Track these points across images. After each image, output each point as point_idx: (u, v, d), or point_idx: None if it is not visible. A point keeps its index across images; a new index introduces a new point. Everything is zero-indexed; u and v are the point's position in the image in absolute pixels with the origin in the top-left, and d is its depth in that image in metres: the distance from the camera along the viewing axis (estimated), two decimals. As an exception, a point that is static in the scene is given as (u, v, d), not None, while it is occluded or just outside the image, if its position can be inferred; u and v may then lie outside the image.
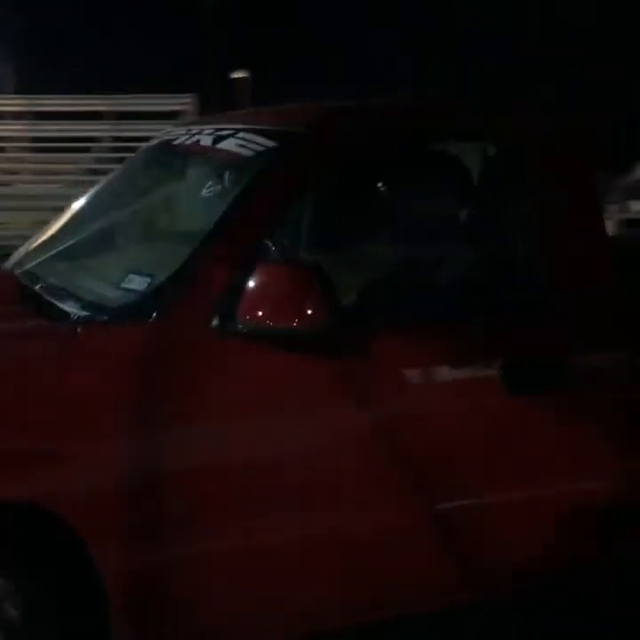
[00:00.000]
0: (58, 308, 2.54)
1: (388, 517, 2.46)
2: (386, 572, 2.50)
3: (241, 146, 2.71)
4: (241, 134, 2.77)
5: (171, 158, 3.26)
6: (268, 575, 2.40)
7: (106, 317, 2.43)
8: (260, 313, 2.30)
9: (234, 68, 30.20)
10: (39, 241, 3.21)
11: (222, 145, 2.79)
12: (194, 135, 3.04)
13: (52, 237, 3.17)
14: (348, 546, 2.44)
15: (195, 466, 2.31)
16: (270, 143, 2.64)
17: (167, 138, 3.30)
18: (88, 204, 3.30)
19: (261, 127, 2.75)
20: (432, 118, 2.86)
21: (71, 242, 2.99)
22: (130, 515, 2.29)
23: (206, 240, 2.50)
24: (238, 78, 32.60)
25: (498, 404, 2.52)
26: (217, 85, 24.03)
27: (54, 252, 2.98)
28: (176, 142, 3.13)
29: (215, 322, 2.38)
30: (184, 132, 3.17)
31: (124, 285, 2.54)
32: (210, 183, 2.76)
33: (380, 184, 2.68)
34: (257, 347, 2.36)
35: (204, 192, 2.76)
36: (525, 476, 2.57)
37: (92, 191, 3.41)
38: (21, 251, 3.28)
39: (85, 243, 2.98)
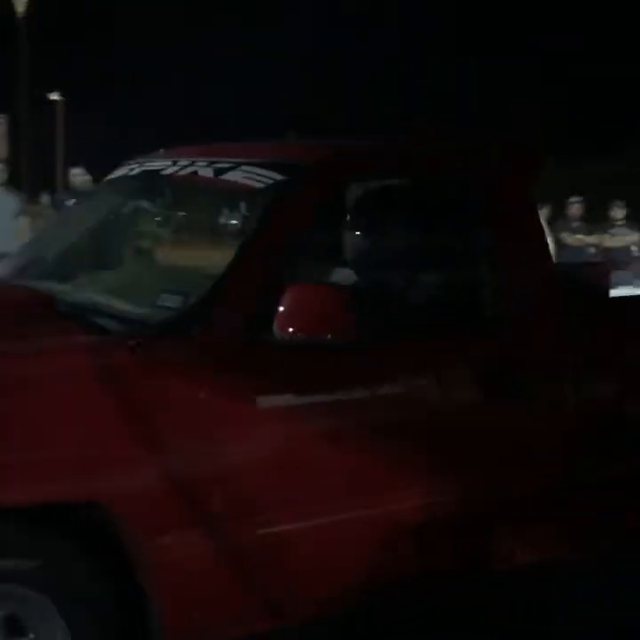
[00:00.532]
0: (99, 324, 2.76)
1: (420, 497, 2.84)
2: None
3: (248, 178, 3.02)
4: (244, 168, 3.08)
5: (162, 187, 3.50)
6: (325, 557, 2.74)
7: (152, 332, 2.67)
8: (296, 327, 2.62)
9: (48, 90, 29.59)
10: (50, 254, 3.40)
11: (228, 176, 3.09)
12: (185, 167, 3.31)
13: (61, 254, 3.36)
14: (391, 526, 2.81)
15: (245, 461, 2.61)
16: (279, 176, 2.96)
17: (148, 168, 3.54)
18: (79, 223, 3.51)
19: (265, 161, 3.07)
20: (419, 158, 3.28)
21: (86, 261, 3.19)
22: (184, 510, 2.56)
23: (235, 262, 2.80)
24: (52, 100, 32.08)
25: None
26: (29, 107, 23.55)
27: (72, 268, 3.18)
28: (165, 172, 3.39)
29: (252, 335, 2.68)
30: (169, 163, 3.43)
31: (159, 303, 2.80)
32: (226, 211, 3.04)
33: (368, 213, 3.08)
34: (291, 355, 2.68)
35: (222, 219, 3.04)
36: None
37: (75, 210, 3.62)
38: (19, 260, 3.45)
39: (102, 262, 3.19)
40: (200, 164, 3.29)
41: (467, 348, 3.04)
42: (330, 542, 2.77)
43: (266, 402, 2.66)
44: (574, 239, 11.07)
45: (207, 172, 3.22)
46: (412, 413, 2.92)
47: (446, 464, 2.94)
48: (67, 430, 2.47)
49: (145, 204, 3.59)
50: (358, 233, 3.24)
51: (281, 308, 2.67)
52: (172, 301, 2.81)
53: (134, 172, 3.65)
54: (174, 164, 3.43)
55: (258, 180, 3.01)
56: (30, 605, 2.48)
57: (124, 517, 2.49)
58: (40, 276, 3.42)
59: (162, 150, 3.86)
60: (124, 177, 3.70)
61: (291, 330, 2.65)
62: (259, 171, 3.05)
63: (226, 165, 3.17)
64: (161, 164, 3.52)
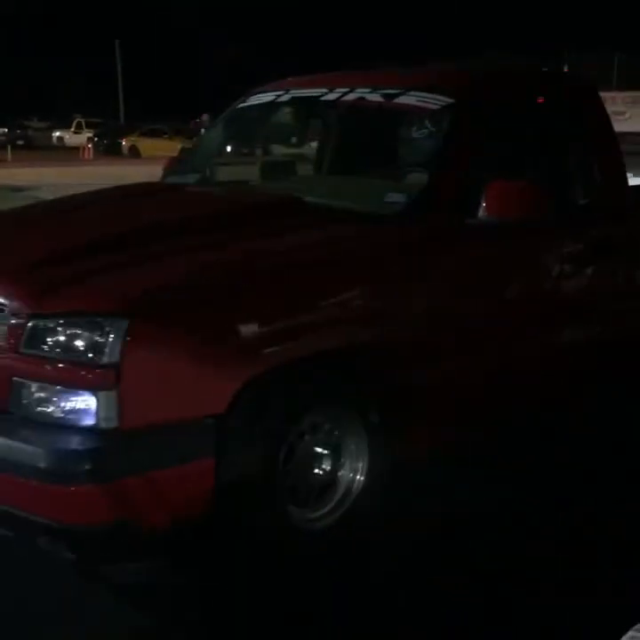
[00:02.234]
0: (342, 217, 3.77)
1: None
2: None
3: (421, 101, 4.05)
4: (411, 93, 4.09)
5: (330, 111, 4.47)
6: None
7: (395, 221, 3.72)
8: (503, 209, 3.73)
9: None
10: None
11: (400, 100, 4.09)
12: (346, 94, 4.28)
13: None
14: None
15: (459, 314, 3.77)
16: (447, 98, 4.01)
17: (300, 95, 4.49)
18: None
19: (425, 86, 4.10)
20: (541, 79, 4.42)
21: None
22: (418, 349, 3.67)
23: (440, 165, 3.89)
24: None
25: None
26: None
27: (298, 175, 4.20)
28: (326, 98, 4.34)
29: (462, 220, 3.78)
30: (325, 91, 4.37)
31: (387, 200, 3.83)
32: (415, 128, 4.07)
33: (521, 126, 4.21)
34: (499, 234, 3.82)
35: (414, 134, 4.07)
36: None
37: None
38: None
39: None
40: (362, 90, 4.27)
41: (590, 223, 4.32)
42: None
43: (478, 265, 3.87)
44: None
45: (376, 97, 4.21)
46: (576, 268, 4.29)
47: (588, 305, 4.32)
48: (361, 293, 3.52)
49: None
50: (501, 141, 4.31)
51: (488, 198, 3.74)
52: (397, 198, 3.85)
53: (286, 98, 4.57)
54: (331, 91, 4.38)
55: (431, 103, 4.04)
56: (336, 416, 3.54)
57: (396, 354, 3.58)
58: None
59: (288, 78, 4.80)
60: (275, 103, 4.61)
61: (492, 213, 3.75)
62: (425, 94, 4.08)
63: (392, 91, 4.17)
64: (313, 91, 4.47)
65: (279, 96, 4.64)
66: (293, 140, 4.86)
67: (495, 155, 4.17)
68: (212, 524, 3.20)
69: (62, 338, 3.08)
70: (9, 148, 34.76)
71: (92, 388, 3.00)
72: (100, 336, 3.01)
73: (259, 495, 3.25)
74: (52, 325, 3.10)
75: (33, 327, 3.11)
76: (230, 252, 3.46)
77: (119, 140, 41.53)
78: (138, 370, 3.02)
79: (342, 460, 3.56)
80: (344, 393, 3.54)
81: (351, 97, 4.31)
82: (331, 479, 3.55)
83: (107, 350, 3.00)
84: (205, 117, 14.25)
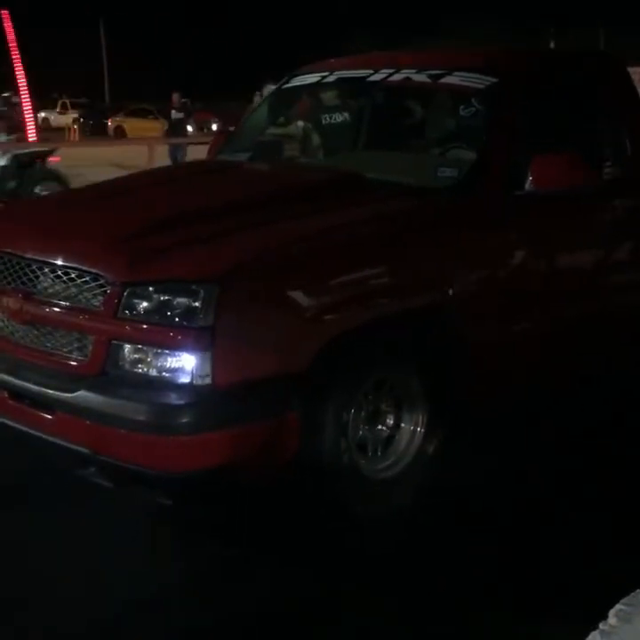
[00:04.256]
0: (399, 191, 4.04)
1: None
2: None
3: (465, 81, 4.31)
4: (456, 73, 4.35)
5: (376, 92, 4.73)
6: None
7: (448, 194, 3.99)
8: (549, 180, 4.01)
9: None
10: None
11: (446, 80, 4.35)
12: (391, 74, 4.54)
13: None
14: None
15: (521, 277, 4.05)
16: (492, 79, 4.27)
17: (346, 76, 4.74)
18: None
19: (471, 66, 4.36)
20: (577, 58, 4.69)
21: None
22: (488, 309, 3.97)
23: (488, 141, 4.16)
24: None
25: None
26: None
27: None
28: (373, 79, 4.59)
29: (511, 192, 4.05)
30: (370, 71, 4.63)
31: (440, 174, 4.10)
32: (462, 107, 4.34)
33: (559, 103, 4.47)
34: (544, 204, 4.10)
35: (462, 112, 4.34)
36: None
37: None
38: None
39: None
40: (408, 71, 4.53)
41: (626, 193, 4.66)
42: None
43: (525, 231, 4.15)
44: None
45: (422, 78, 4.47)
46: (614, 236, 4.61)
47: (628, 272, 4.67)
48: (420, 261, 3.80)
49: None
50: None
51: (534, 170, 4.01)
52: (450, 172, 4.13)
53: (331, 79, 4.82)
54: (376, 71, 4.63)
55: (477, 83, 4.30)
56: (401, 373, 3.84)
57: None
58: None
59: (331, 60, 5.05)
60: (320, 83, 4.86)
61: (538, 184, 4.02)
62: (470, 75, 4.34)
63: (438, 72, 4.43)
64: (358, 72, 4.72)
65: (324, 77, 4.88)
66: (326, 119, 5.12)
67: (537, 130, 4.43)
68: (296, 474, 3.49)
69: (158, 304, 3.34)
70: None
71: (189, 349, 3.27)
72: (194, 301, 3.28)
73: (333, 446, 3.54)
74: (148, 293, 3.36)
75: (130, 294, 3.37)
76: (304, 225, 3.72)
77: (105, 121, 41.48)
78: (229, 332, 3.28)
79: (404, 416, 3.85)
80: (406, 355, 3.82)
81: (397, 77, 4.56)
82: (393, 434, 3.85)
83: (201, 315, 3.26)
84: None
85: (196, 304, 3.27)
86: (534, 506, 3.93)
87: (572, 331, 4.32)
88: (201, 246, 3.52)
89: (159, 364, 3.33)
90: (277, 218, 3.75)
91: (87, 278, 3.49)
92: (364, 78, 4.70)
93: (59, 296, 3.57)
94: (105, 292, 3.43)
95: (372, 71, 4.69)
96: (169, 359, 3.31)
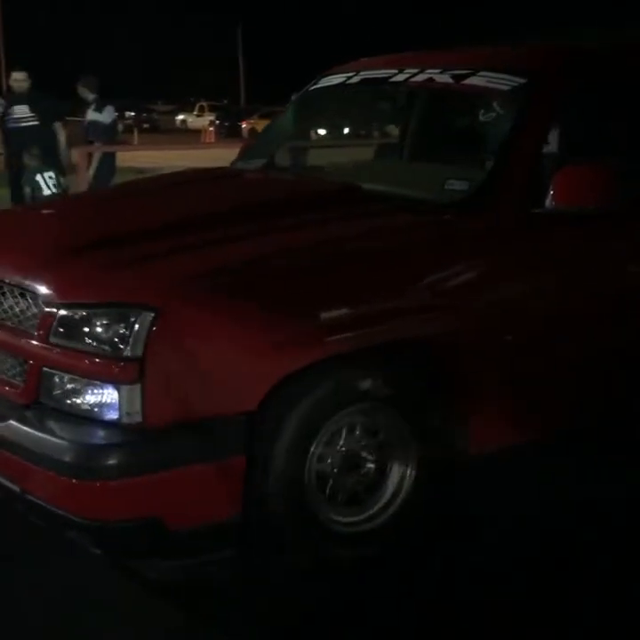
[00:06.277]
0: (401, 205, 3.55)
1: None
2: None
3: (491, 82, 3.78)
4: (482, 73, 3.82)
5: (398, 93, 4.25)
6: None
7: (454, 210, 3.48)
8: (574, 196, 3.43)
9: None
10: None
11: (471, 81, 3.83)
12: (415, 75, 4.04)
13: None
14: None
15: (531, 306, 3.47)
16: (520, 79, 3.72)
17: (370, 77, 4.27)
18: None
19: (497, 66, 3.82)
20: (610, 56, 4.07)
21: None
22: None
23: (505, 151, 3.62)
24: None
25: None
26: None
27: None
28: (396, 79, 4.11)
29: (528, 209, 3.50)
30: (395, 72, 4.15)
31: (448, 187, 3.59)
32: (482, 111, 3.82)
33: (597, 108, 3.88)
34: (562, 223, 3.51)
35: (482, 117, 3.82)
36: None
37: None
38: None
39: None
40: (431, 71, 4.03)
41: None
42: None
43: (542, 256, 3.57)
44: None
45: (445, 79, 3.96)
46: None
47: None
48: (407, 286, 3.30)
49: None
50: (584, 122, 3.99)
51: (557, 185, 3.45)
52: (459, 185, 3.61)
53: (355, 80, 4.37)
54: (400, 72, 4.15)
55: (502, 84, 3.77)
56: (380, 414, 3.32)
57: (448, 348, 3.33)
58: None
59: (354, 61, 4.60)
60: (345, 85, 4.42)
61: (559, 202, 3.45)
62: (497, 75, 3.81)
63: (463, 72, 3.91)
64: (383, 72, 4.25)
65: (349, 77, 4.43)
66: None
67: (569, 139, 3.87)
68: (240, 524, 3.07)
69: (89, 328, 2.98)
70: (136, 131, 35.47)
71: (117, 382, 2.90)
72: (124, 328, 2.91)
73: (286, 494, 3.10)
74: (80, 315, 3.01)
75: (62, 317, 3.03)
76: (273, 243, 3.28)
77: (239, 123, 41.95)
78: (163, 364, 2.89)
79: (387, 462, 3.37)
80: (389, 390, 3.33)
81: (420, 78, 4.07)
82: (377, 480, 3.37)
83: (130, 343, 2.88)
84: None
85: (125, 331, 2.90)
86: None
87: (591, 374, 3.74)
88: (148, 264, 3.13)
89: (88, 398, 2.96)
90: (245, 234, 3.33)
91: (28, 297, 3.18)
92: (386, 79, 4.24)
93: (5, 315, 3.27)
94: (40, 312, 3.10)
95: (396, 71, 4.21)
96: (97, 392, 2.95)
